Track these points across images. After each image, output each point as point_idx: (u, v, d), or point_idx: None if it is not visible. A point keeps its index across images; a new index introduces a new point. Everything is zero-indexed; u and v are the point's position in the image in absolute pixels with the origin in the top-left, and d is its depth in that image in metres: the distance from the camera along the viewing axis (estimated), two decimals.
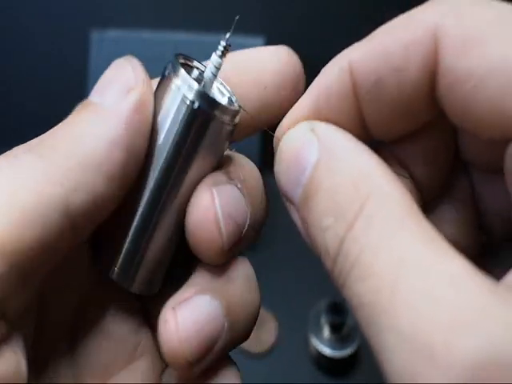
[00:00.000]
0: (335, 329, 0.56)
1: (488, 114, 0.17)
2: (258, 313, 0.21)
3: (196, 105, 0.19)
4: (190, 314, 0.19)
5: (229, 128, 0.20)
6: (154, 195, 0.20)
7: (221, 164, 0.21)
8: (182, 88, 0.19)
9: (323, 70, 0.21)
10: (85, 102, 0.19)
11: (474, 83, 0.17)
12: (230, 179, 0.20)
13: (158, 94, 0.20)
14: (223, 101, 0.21)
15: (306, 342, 0.58)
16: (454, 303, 0.14)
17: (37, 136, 0.19)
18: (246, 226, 0.20)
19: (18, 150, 0.18)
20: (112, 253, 0.21)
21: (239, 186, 0.20)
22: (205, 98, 0.19)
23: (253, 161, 0.22)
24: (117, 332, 0.22)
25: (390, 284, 0.15)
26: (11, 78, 0.71)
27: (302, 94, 0.21)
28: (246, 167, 0.21)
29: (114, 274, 0.21)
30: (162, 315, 0.20)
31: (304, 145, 0.19)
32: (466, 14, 0.17)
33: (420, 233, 0.16)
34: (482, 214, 0.22)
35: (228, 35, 0.20)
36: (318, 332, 0.57)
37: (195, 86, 0.19)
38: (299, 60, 0.22)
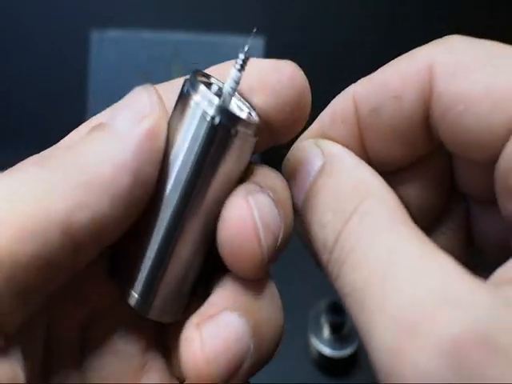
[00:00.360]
0: (335, 329, 0.56)
1: (476, 136, 0.18)
2: (282, 334, 0.20)
3: (217, 120, 0.18)
4: (216, 332, 0.18)
5: (251, 142, 0.19)
6: (175, 216, 0.19)
7: (248, 175, 0.20)
8: (202, 104, 0.19)
9: (333, 100, 0.22)
10: (98, 123, 0.19)
11: (462, 107, 0.18)
12: (262, 188, 0.20)
13: (177, 113, 0.19)
14: (243, 115, 0.20)
15: (306, 342, 0.58)
16: (440, 287, 0.15)
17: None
18: (280, 239, 0.19)
19: (27, 162, 0.18)
20: (130, 278, 0.20)
21: (271, 195, 0.20)
22: (225, 113, 0.18)
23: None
24: (125, 349, 0.21)
25: (380, 271, 0.16)
26: (11, 78, 0.71)
27: (307, 112, 0.21)
28: (273, 177, 0.21)
29: (133, 301, 0.20)
30: (184, 332, 0.19)
31: (309, 154, 0.21)
32: (458, 48, 0.19)
33: (409, 232, 0.17)
34: (475, 236, 0.24)
35: (246, 47, 0.19)
36: (318, 332, 0.57)
37: (215, 101, 0.18)
38: (306, 79, 0.20)
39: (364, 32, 0.66)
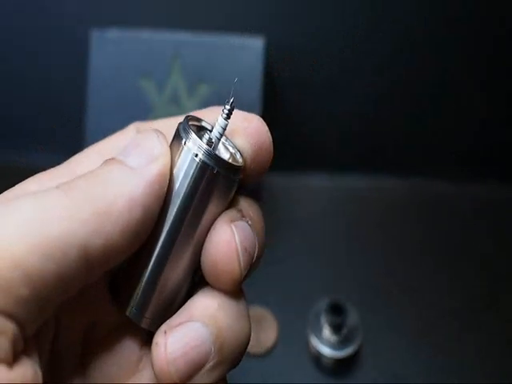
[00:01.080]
0: (335, 329, 0.56)
1: None
2: (249, 340, 0.23)
3: (205, 164, 0.22)
4: (178, 339, 0.22)
5: (235, 181, 0.23)
6: (169, 240, 0.22)
7: (232, 204, 0.23)
8: (193, 149, 0.22)
9: None
10: (112, 159, 0.22)
11: None
12: (243, 216, 0.23)
13: (172, 152, 0.22)
14: (227, 156, 0.23)
15: (306, 342, 0.58)
16: None
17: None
18: (254, 259, 0.23)
19: (47, 182, 0.21)
20: (128, 292, 0.23)
21: (250, 222, 0.23)
22: (212, 157, 0.22)
23: None
24: (123, 347, 0.24)
25: None
26: (11, 78, 0.71)
27: (270, 158, 0.23)
28: (253, 207, 0.24)
29: (130, 313, 0.23)
30: (154, 338, 0.22)
31: None
32: None
33: None
34: None
35: (232, 99, 0.22)
36: (317, 332, 0.57)
37: (204, 146, 0.22)
38: (270, 135, 0.24)
39: (365, 33, 0.66)
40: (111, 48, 0.65)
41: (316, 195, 0.71)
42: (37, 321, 0.19)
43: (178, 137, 0.22)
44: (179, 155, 0.22)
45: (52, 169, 0.23)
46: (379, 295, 0.62)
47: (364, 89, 0.69)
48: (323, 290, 0.62)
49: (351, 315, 0.57)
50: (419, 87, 0.69)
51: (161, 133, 0.22)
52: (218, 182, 0.22)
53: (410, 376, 0.57)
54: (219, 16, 0.67)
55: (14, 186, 0.22)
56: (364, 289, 0.63)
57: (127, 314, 0.23)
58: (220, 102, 0.22)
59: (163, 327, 0.22)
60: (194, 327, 0.22)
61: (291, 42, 0.67)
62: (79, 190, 0.20)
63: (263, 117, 0.23)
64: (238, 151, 0.23)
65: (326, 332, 0.57)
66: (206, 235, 0.22)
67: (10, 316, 0.18)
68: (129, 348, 0.24)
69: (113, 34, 0.65)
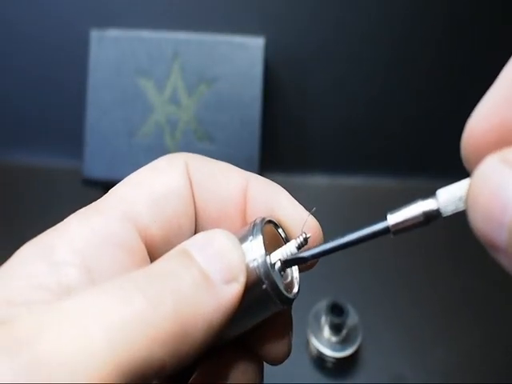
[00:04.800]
0: (335, 329, 0.56)
1: None
2: None
3: (262, 282, 0.21)
4: None
5: (286, 306, 0.22)
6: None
7: None
8: (258, 258, 0.21)
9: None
10: (186, 253, 0.21)
11: None
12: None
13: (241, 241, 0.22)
14: (287, 279, 0.24)
15: (306, 342, 0.58)
16: None
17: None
18: None
19: (132, 278, 0.19)
20: None
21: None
22: (271, 282, 0.21)
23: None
24: None
25: None
26: (10, 78, 0.71)
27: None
28: None
29: None
30: None
31: (502, 182, 0.17)
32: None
33: None
34: None
35: (309, 236, 0.23)
36: (317, 332, 0.57)
37: (266, 267, 0.21)
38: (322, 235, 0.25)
39: (365, 33, 0.66)
40: (111, 48, 0.65)
41: (316, 195, 0.71)
42: None
43: (247, 238, 0.22)
44: (245, 254, 0.21)
45: (96, 203, 0.22)
46: (379, 295, 0.62)
47: (364, 89, 0.69)
48: (323, 291, 0.62)
49: (351, 315, 0.57)
50: (419, 87, 0.69)
51: (241, 251, 0.21)
52: (270, 303, 0.22)
53: (410, 376, 0.57)
54: (219, 16, 0.67)
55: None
56: (364, 289, 0.63)
57: None
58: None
59: None
60: None
61: (291, 41, 0.67)
62: (166, 305, 0.19)
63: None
64: (298, 282, 0.24)
65: (326, 332, 0.57)
66: (255, 326, 0.23)
67: None
68: None
69: (112, 33, 0.65)
